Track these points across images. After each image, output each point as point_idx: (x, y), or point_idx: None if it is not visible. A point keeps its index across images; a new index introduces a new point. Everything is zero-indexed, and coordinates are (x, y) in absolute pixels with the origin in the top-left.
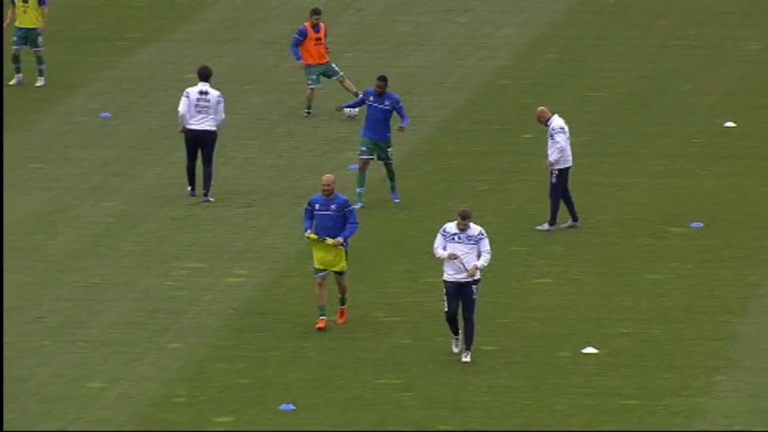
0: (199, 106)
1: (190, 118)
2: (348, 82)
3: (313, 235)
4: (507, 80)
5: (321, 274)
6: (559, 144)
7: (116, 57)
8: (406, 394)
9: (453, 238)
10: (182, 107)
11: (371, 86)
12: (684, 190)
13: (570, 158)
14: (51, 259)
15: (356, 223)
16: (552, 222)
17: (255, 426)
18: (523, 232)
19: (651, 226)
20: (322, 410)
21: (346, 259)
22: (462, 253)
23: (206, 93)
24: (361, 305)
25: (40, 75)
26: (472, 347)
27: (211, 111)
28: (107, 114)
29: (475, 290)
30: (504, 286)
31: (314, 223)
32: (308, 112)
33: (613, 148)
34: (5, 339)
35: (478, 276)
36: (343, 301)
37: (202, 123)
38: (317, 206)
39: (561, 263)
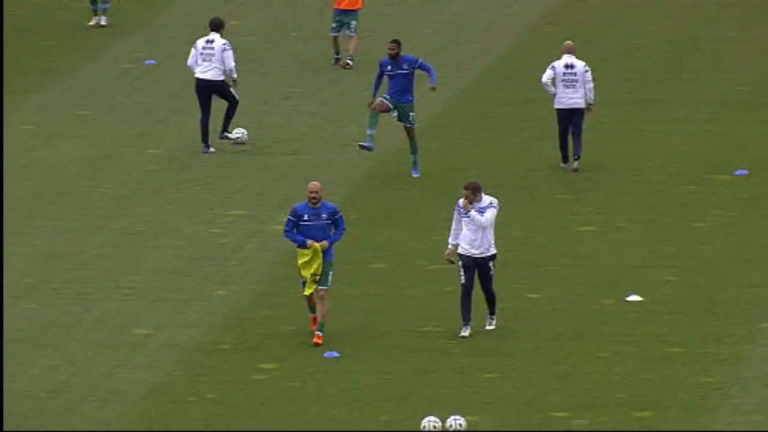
0: (204, 54)
1: (197, 68)
2: (353, 44)
3: (317, 244)
4: (552, 27)
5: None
6: (592, 84)
7: (161, 4)
8: (450, 341)
9: (467, 214)
10: (190, 59)
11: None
12: (729, 138)
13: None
14: (96, 206)
15: (344, 229)
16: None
17: (300, 373)
18: (568, 180)
19: (696, 173)
20: (366, 358)
21: (331, 273)
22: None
23: (211, 41)
24: (405, 253)
25: (103, 14)
26: (496, 314)
27: (215, 59)
28: (152, 61)
29: (491, 266)
30: (548, 234)
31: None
32: (336, 59)
33: (658, 95)
34: (53, 284)
35: (493, 251)
36: (321, 326)
37: (207, 72)
38: (305, 217)
39: (605, 211)
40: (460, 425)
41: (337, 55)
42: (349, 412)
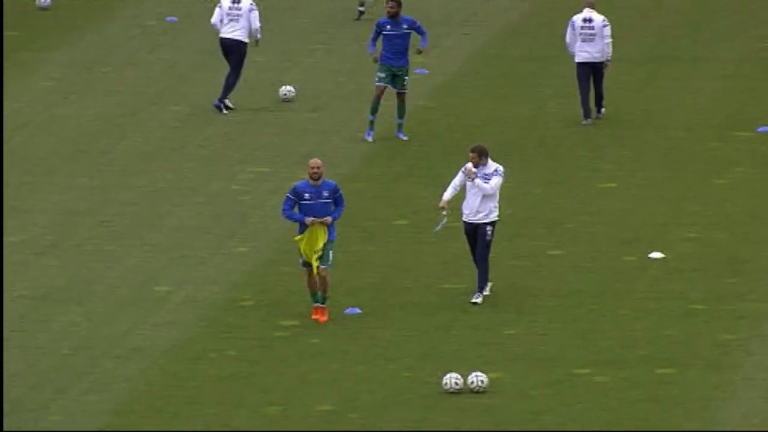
0: (231, 14)
1: (222, 27)
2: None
3: (318, 220)
4: None
5: (309, 267)
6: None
7: None
8: (466, 297)
9: (472, 181)
10: (214, 17)
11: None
12: (751, 95)
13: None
14: (117, 162)
15: (344, 206)
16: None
17: (321, 330)
18: (589, 137)
19: (718, 130)
20: (387, 314)
21: (332, 253)
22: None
23: (238, 1)
24: (426, 209)
25: None
26: (485, 290)
27: (242, 20)
28: (174, 18)
29: (489, 231)
30: (570, 191)
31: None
32: (360, 12)
33: (681, 52)
34: (74, 241)
35: (493, 218)
36: (324, 299)
37: (233, 32)
38: (306, 196)
39: (627, 167)
40: (482, 382)
41: (361, 6)
42: (370, 370)
